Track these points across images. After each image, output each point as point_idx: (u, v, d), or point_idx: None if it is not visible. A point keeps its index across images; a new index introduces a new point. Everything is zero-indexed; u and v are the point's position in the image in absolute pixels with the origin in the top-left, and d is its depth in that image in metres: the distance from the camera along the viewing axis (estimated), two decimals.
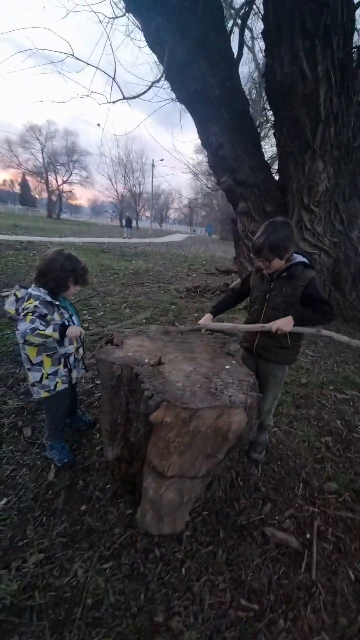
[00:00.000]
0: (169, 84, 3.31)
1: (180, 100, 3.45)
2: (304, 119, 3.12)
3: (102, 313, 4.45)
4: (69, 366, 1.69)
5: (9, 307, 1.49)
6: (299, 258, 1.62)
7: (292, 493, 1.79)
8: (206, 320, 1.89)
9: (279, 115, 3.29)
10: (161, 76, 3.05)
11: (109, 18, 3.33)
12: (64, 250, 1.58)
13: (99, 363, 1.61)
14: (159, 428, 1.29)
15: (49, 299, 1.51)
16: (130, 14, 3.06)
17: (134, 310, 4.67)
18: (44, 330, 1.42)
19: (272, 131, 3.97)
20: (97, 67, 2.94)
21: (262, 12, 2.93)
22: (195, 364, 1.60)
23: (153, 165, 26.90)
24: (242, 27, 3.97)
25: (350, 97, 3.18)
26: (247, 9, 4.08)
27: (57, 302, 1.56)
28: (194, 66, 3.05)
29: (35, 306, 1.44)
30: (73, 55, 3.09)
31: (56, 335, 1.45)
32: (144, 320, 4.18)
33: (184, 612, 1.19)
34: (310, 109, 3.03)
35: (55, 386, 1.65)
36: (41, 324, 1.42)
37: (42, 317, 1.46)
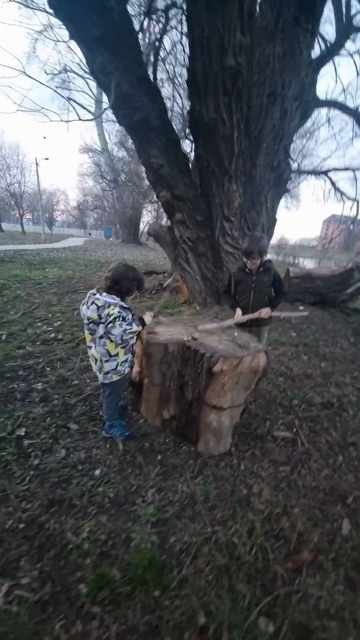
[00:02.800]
0: (112, 111, 3.74)
1: (124, 125, 3.89)
2: (224, 152, 4.13)
3: (60, 322, 4.44)
4: (133, 352, 2.09)
5: (92, 313, 1.80)
6: (266, 257, 2.52)
7: (276, 411, 2.71)
8: (239, 314, 2.53)
9: (204, 147, 4.20)
10: (110, 106, 3.44)
11: (58, 42, 3.39)
12: (127, 262, 1.97)
13: (152, 347, 2.10)
14: (218, 376, 1.92)
15: (124, 304, 1.88)
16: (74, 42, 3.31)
17: None
18: (132, 328, 1.84)
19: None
20: (54, 90, 3.02)
21: (188, 65, 3.74)
22: (217, 336, 2.28)
23: (37, 164, 24.63)
24: (154, 70, 4.71)
25: (250, 139, 4.41)
26: (154, 60, 4.85)
27: (128, 306, 1.94)
28: (138, 98, 3.58)
29: (119, 311, 1.81)
30: (24, 73, 3.05)
31: (140, 328, 1.88)
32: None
33: (258, 485, 1.89)
34: (228, 146, 4.06)
35: (125, 370, 2.03)
36: (128, 325, 1.83)
37: (124, 319, 1.84)
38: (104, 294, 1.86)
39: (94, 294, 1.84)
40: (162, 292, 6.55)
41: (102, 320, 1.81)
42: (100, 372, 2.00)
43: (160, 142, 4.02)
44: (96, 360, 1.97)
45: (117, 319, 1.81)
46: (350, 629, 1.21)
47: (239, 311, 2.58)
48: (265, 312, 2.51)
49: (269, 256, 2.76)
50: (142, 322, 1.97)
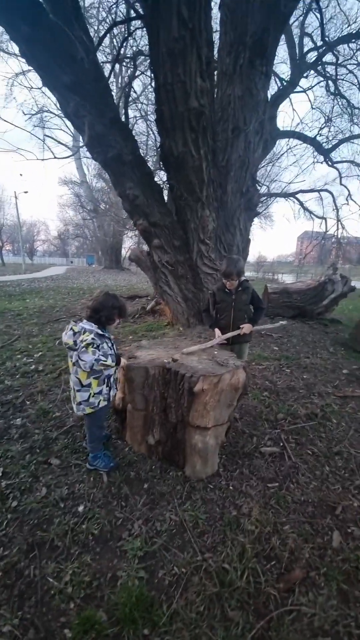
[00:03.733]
0: (87, 149, 3.96)
1: (99, 162, 4.11)
2: (195, 182, 4.40)
3: (41, 353, 4.36)
4: (110, 385, 2.03)
5: (68, 339, 1.80)
6: (243, 277, 2.65)
7: (263, 427, 2.72)
8: (218, 334, 2.61)
9: (176, 177, 4.47)
10: (85, 144, 3.66)
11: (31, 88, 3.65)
12: (109, 291, 2.00)
13: (133, 371, 2.11)
14: (199, 395, 1.94)
15: (100, 332, 1.89)
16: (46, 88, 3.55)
17: None
18: (106, 361, 1.83)
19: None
20: (30, 132, 3.21)
21: (155, 104, 4.05)
22: (197, 355, 2.32)
23: (16, 198, 25.04)
24: (126, 111, 5.09)
25: (219, 169, 4.73)
26: (125, 99, 5.25)
27: (106, 334, 1.95)
28: (111, 137, 3.82)
29: (93, 338, 1.80)
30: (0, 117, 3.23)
31: (113, 364, 1.88)
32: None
33: (247, 505, 1.87)
34: (198, 175, 4.34)
35: (99, 403, 1.96)
36: (102, 356, 1.82)
37: (98, 347, 1.83)
38: (84, 321, 1.89)
39: (75, 322, 1.87)
40: (145, 316, 6.60)
41: (76, 347, 1.81)
42: (74, 403, 1.96)
43: (134, 175, 4.24)
44: (71, 389, 1.95)
45: (91, 346, 1.79)
46: None
47: (217, 331, 2.65)
48: (247, 328, 2.60)
49: (248, 274, 2.90)
50: (117, 360, 1.96)
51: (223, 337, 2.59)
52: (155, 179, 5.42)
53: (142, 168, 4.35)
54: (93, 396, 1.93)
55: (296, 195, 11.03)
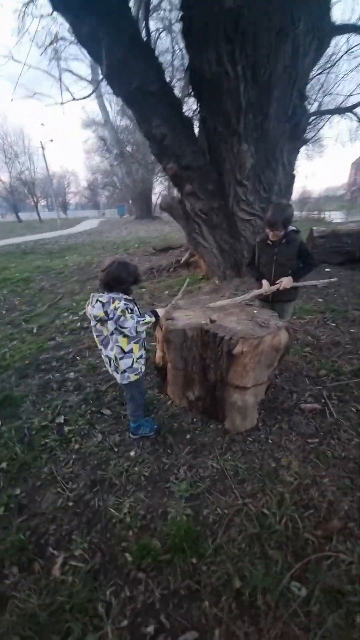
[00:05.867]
0: (107, 81, 3.49)
1: (121, 96, 3.65)
2: (230, 110, 3.77)
3: (84, 311, 4.57)
4: (146, 348, 2.05)
5: (97, 311, 1.73)
6: (291, 227, 2.34)
7: (303, 384, 2.68)
8: (266, 285, 2.44)
9: (209, 106, 3.86)
10: (104, 76, 3.21)
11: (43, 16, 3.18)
12: (116, 260, 1.86)
13: (171, 333, 2.12)
14: (238, 357, 1.92)
15: (127, 297, 1.83)
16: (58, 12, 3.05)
17: None
18: (145, 319, 1.83)
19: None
20: (45, 72, 2.85)
21: (181, 12, 3.33)
22: (236, 315, 2.24)
23: (43, 148, 24.24)
24: (146, 25, 4.25)
25: (259, 87, 3.95)
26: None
27: (132, 298, 1.89)
28: (132, 62, 3.30)
29: (125, 303, 1.76)
30: (12, 58, 2.93)
31: (153, 319, 1.87)
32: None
33: (286, 458, 1.94)
34: (234, 100, 3.69)
35: (141, 369, 1.98)
36: (140, 317, 1.81)
37: (132, 310, 1.80)
38: (106, 292, 1.80)
39: (98, 294, 1.79)
40: (180, 269, 6.47)
41: (110, 316, 1.75)
42: (117, 373, 1.95)
43: (162, 107, 3.74)
44: (110, 360, 1.93)
45: (126, 311, 1.75)
46: None
47: (265, 282, 2.46)
48: (286, 282, 2.35)
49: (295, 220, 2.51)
50: (155, 314, 1.95)
51: (256, 292, 2.43)
52: (184, 108, 4.74)
53: (169, 98, 3.80)
54: (136, 361, 1.93)
55: (354, 110, 9.07)
